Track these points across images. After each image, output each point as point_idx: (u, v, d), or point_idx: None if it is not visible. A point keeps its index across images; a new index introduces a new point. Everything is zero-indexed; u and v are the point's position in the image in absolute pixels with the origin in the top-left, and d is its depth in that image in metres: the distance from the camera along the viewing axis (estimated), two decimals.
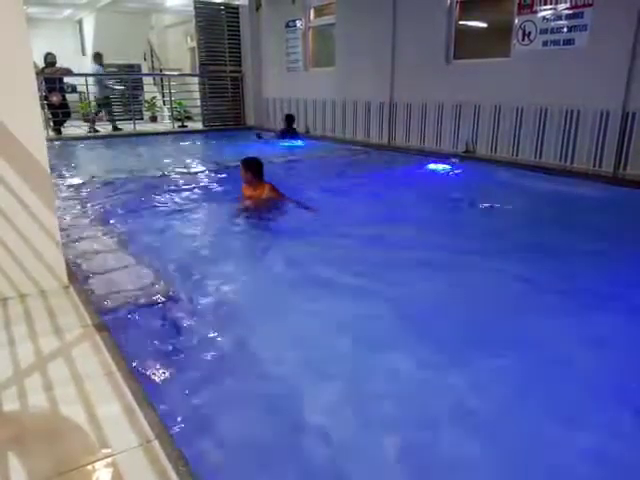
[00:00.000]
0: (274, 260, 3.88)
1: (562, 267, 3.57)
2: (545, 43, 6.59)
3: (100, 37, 14.47)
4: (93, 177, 6.92)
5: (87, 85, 11.42)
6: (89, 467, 1.58)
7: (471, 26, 7.91)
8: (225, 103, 12.58)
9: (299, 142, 10.02)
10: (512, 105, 7.15)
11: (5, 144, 2.59)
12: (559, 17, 6.40)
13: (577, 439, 1.95)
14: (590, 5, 6.05)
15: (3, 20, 2.51)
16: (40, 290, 2.85)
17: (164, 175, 7.07)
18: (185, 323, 2.81)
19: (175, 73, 15.19)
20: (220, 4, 12.10)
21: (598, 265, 3.61)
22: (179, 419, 2.00)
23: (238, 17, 12.17)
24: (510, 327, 2.76)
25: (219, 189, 6.24)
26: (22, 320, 2.54)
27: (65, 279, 2.94)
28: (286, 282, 3.45)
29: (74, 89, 13.28)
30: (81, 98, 13.16)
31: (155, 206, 5.41)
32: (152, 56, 16.28)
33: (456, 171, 7.25)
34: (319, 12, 10.59)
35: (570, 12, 6.26)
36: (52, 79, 11.18)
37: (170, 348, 2.56)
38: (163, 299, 3.08)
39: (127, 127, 12.16)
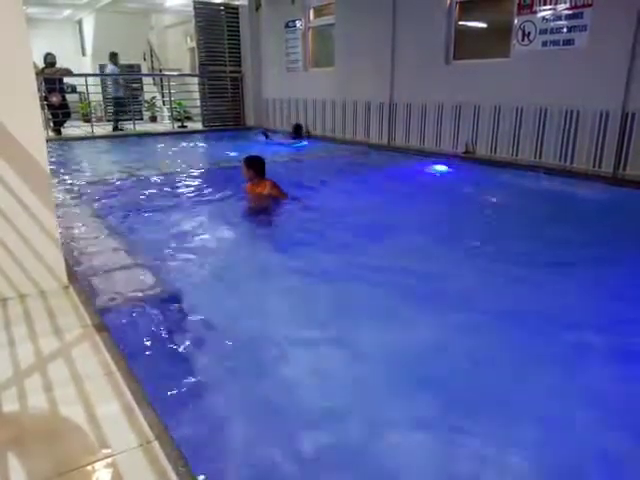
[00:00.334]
0: (275, 259, 3.88)
1: (562, 267, 3.57)
2: (545, 43, 6.59)
3: (100, 37, 14.48)
4: (93, 177, 6.93)
5: (87, 85, 11.42)
6: (89, 467, 1.58)
7: (471, 26, 7.91)
8: (225, 103, 12.59)
9: (304, 142, 10.16)
10: (512, 105, 7.15)
11: (5, 144, 2.59)
12: (559, 17, 6.40)
13: None
14: (590, 5, 6.05)
15: (3, 20, 2.51)
16: (40, 290, 2.85)
17: (164, 175, 7.07)
18: (185, 323, 2.81)
19: (175, 73, 15.19)
20: (220, 4, 12.10)
21: (597, 265, 3.61)
22: (179, 419, 1.99)
23: (238, 17, 12.17)
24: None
25: (220, 189, 6.24)
26: (22, 320, 2.54)
27: (65, 279, 2.94)
28: (287, 282, 3.45)
29: (74, 89, 13.30)
30: (81, 98, 13.18)
31: (155, 206, 5.41)
32: (152, 56, 16.29)
33: (456, 171, 7.25)
34: (319, 12, 10.59)
35: (570, 12, 6.26)
36: (52, 79, 11.18)
37: (170, 348, 2.56)
38: (163, 299, 3.08)
39: (127, 127, 12.17)
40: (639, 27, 5.68)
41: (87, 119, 12.45)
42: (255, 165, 5.04)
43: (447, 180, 7.06)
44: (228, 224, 4.80)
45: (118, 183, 6.56)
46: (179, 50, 16.77)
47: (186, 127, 12.66)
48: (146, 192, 6.01)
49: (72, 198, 5.74)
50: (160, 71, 15.78)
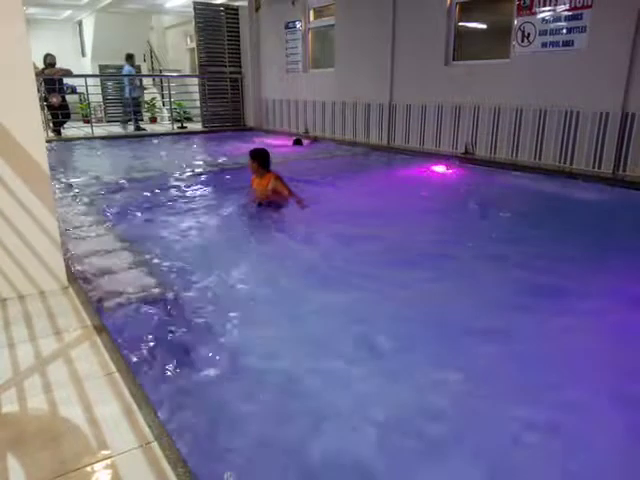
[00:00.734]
0: (277, 259, 3.89)
1: (561, 267, 3.58)
2: (544, 44, 6.59)
3: (100, 38, 14.48)
4: (93, 178, 6.92)
5: (87, 86, 11.42)
6: (88, 469, 1.58)
7: (470, 27, 7.92)
8: (225, 104, 12.59)
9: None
10: (511, 106, 7.15)
11: (5, 145, 2.59)
12: (558, 18, 6.40)
13: None
14: (589, 6, 6.05)
15: (3, 21, 2.51)
16: (40, 291, 2.85)
17: (164, 176, 7.07)
18: (185, 324, 2.81)
19: (175, 74, 15.20)
20: (220, 5, 12.11)
21: (596, 266, 3.61)
22: (179, 420, 1.99)
23: (238, 18, 12.18)
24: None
25: (220, 190, 6.24)
26: (21, 321, 2.54)
27: (64, 280, 2.94)
28: (288, 282, 3.45)
29: (74, 90, 13.30)
30: (81, 99, 13.18)
31: (155, 206, 5.42)
32: (152, 57, 16.30)
33: (455, 172, 7.25)
34: (319, 13, 10.59)
35: (569, 13, 6.27)
36: (52, 80, 11.18)
37: (170, 349, 2.56)
38: (163, 300, 3.08)
39: (128, 128, 12.17)
40: (638, 28, 5.69)
41: (87, 120, 12.44)
42: (259, 157, 5.11)
43: (447, 180, 7.06)
44: (228, 224, 4.81)
45: (118, 183, 6.56)
46: (179, 51, 16.79)
47: (186, 128, 12.67)
48: (146, 192, 6.02)
49: (72, 199, 5.74)
50: (160, 72, 15.79)
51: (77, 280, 3.11)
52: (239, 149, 9.27)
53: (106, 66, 14.37)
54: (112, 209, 5.29)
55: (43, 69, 11.20)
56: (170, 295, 3.15)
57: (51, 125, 11.21)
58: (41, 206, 2.74)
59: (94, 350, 2.27)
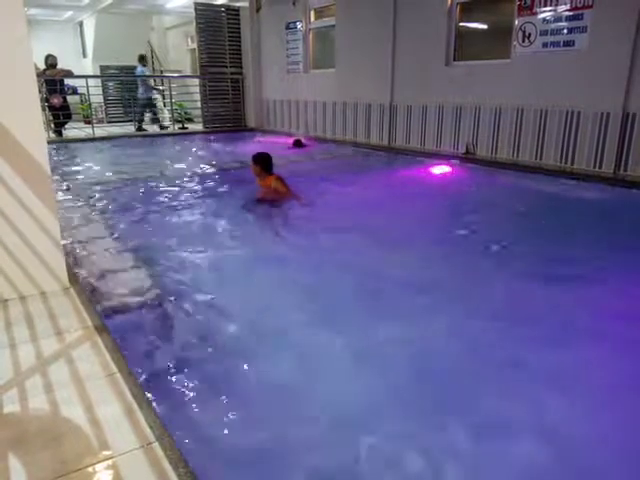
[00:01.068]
0: (277, 257, 3.89)
1: (561, 266, 3.58)
2: (545, 45, 6.59)
3: (101, 39, 14.50)
4: (94, 178, 6.93)
5: (88, 87, 11.43)
6: (90, 469, 1.58)
7: (471, 28, 7.91)
8: (225, 105, 12.59)
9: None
10: (512, 106, 7.15)
11: (6, 146, 2.60)
12: (559, 19, 6.40)
13: None
14: (590, 7, 6.05)
15: (4, 22, 2.52)
16: (41, 291, 2.85)
17: (165, 176, 7.08)
18: (186, 324, 2.81)
19: (176, 75, 15.20)
20: (220, 6, 12.11)
21: (596, 265, 3.61)
22: (180, 421, 1.99)
23: (238, 19, 12.18)
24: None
25: (221, 190, 6.25)
26: (23, 322, 2.55)
27: (66, 280, 2.94)
28: (290, 281, 3.46)
29: (75, 91, 13.32)
30: (82, 100, 13.19)
31: (156, 207, 5.42)
32: (152, 58, 16.30)
33: (456, 172, 7.25)
34: (319, 14, 10.59)
35: (570, 13, 6.26)
36: (53, 81, 11.19)
37: (171, 349, 2.56)
38: (164, 300, 3.08)
39: (128, 128, 12.19)
40: (639, 28, 5.68)
41: (88, 121, 12.46)
42: (262, 161, 5.31)
43: (448, 180, 7.05)
44: (230, 224, 4.81)
45: (119, 184, 6.56)
46: (180, 51, 16.79)
47: (187, 128, 12.68)
48: (147, 193, 6.03)
49: (73, 199, 5.75)
50: (161, 72, 15.80)
51: (78, 281, 3.11)
52: (240, 149, 9.29)
53: (107, 67, 14.39)
54: (113, 209, 5.30)
55: (44, 70, 11.20)
56: (171, 295, 3.15)
57: (52, 126, 11.22)
58: (42, 206, 2.74)
59: (95, 350, 2.27)
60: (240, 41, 12.30)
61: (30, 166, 2.67)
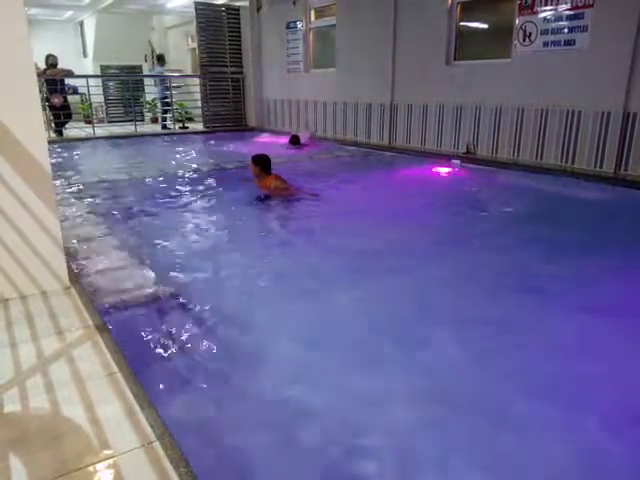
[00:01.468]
0: (278, 258, 3.89)
1: (560, 266, 3.57)
2: (546, 44, 6.59)
3: (101, 39, 14.50)
4: (94, 178, 6.93)
5: (88, 87, 11.43)
6: (90, 468, 1.58)
7: (472, 27, 7.91)
8: (226, 104, 12.59)
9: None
10: (513, 106, 7.14)
11: (6, 145, 2.60)
12: (560, 18, 6.39)
13: None
14: (591, 6, 6.04)
15: (4, 21, 2.52)
16: (41, 291, 2.85)
17: (166, 176, 7.07)
18: (187, 323, 2.81)
19: (176, 74, 15.20)
20: (221, 5, 12.11)
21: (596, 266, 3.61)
22: (181, 420, 1.99)
23: (239, 18, 12.18)
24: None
25: (221, 190, 6.24)
26: (23, 321, 2.55)
27: (66, 280, 2.94)
28: (290, 280, 3.46)
29: (75, 91, 13.32)
30: (82, 100, 13.20)
31: (157, 206, 5.42)
32: (153, 57, 16.29)
33: (456, 172, 7.25)
34: (320, 13, 10.59)
35: (571, 13, 6.26)
36: (53, 81, 11.20)
37: (172, 349, 2.56)
38: (165, 299, 3.08)
39: (129, 128, 12.19)
40: None
41: (88, 120, 12.47)
42: (261, 162, 5.41)
43: (449, 180, 7.05)
44: (230, 222, 4.82)
45: (120, 184, 6.56)
46: (180, 51, 16.78)
47: (187, 128, 12.68)
48: (148, 192, 6.02)
49: (74, 199, 5.74)
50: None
51: (79, 280, 3.11)
52: (240, 149, 9.29)
53: (107, 66, 14.40)
54: (114, 208, 5.29)
55: (45, 70, 11.21)
56: (172, 294, 3.15)
57: (53, 126, 11.22)
58: (43, 206, 2.74)
59: (96, 350, 2.27)
60: (240, 41, 12.30)
61: (31, 166, 2.67)
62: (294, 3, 10.68)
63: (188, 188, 6.29)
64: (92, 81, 12.05)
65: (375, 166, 8.07)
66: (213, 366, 2.43)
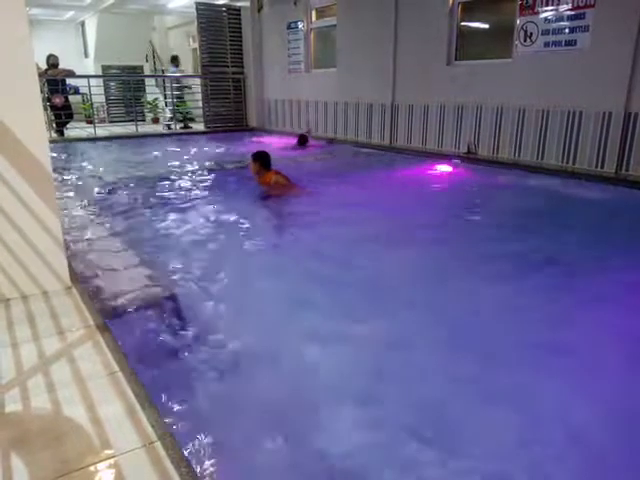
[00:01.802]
0: (278, 257, 3.89)
1: (561, 267, 3.57)
2: (547, 44, 6.58)
3: (102, 39, 14.50)
4: (96, 178, 6.94)
5: (89, 87, 11.44)
6: (91, 468, 1.59)
7: (473, 27, 7.91)
8: (227, 104, 12.59)
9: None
10: (514, 106, 7.14)
11: (8, 146, 2.60)
12: (561, 18, 6.39)
13: None
14: (592, 6, 6.04)
15: (5, 22, 2.52)
16: (42, 291, 2.86)
17: (166, 176, 7.08)
18: (188, 323, 2.81)
19: (177, 74, 15.21)
20: (222, 5, 12.11)
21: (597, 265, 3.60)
22: (182, 420, 1.99)
23: (240, 18, 12.19)
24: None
25: (222, 190, 6.25)
26: (25, 321, 2.55)
27: (67, 280, 2.94)
28: (290, 281, 3.45)
29: (76, 91, 13.33)
30: (84, 100, 13.21)
31: (158, 206, 5.42)
32: (154, 57, 16.32)
33: (458, 172, 7.24)
34: (321, 13, 10.59)
35: (572, 13, 6.25)
36: (55, 81, 11.21)
37: (173, 349, 2.56)
38: (166, 299, 3.08)
39: (130, 128, 12.20)
40: None
41: (89, 120, 12.48)
42: (261, 159, 5.44)
43: (449, 180, 7.05)
44: (231, 222, 4.82)
45: (121, 183, 6.57)
46: (181, 51, 16.79)
47: (190, 128, 12.69)
48: (149, 192, 6.02)
49: (75, 199, 5.76)
50: (162, 72, 15.81)
51: (80, 280, 3.11)
52: (241, 148, 9.29)
53: (109, 66, 14.40)
54: (115, 208, 5.30)
55: (46, 70, 11.22)
56: (173, 294, 3.15)
57: (54, 126, 11.23)
58: (44, 206, 2.75)
59: (97, 350, 2.28)
60: (241, 41, 12.31)
61: (32, 165, 2.67)
62: (295, 3, 10.69)
63: (190, 188, 6.29)
64: (93, 81, 12.03)
65: (376, 166, 8.06)
66: (214, 366, 2.42)
